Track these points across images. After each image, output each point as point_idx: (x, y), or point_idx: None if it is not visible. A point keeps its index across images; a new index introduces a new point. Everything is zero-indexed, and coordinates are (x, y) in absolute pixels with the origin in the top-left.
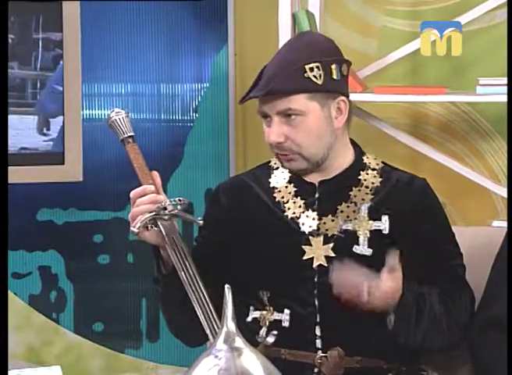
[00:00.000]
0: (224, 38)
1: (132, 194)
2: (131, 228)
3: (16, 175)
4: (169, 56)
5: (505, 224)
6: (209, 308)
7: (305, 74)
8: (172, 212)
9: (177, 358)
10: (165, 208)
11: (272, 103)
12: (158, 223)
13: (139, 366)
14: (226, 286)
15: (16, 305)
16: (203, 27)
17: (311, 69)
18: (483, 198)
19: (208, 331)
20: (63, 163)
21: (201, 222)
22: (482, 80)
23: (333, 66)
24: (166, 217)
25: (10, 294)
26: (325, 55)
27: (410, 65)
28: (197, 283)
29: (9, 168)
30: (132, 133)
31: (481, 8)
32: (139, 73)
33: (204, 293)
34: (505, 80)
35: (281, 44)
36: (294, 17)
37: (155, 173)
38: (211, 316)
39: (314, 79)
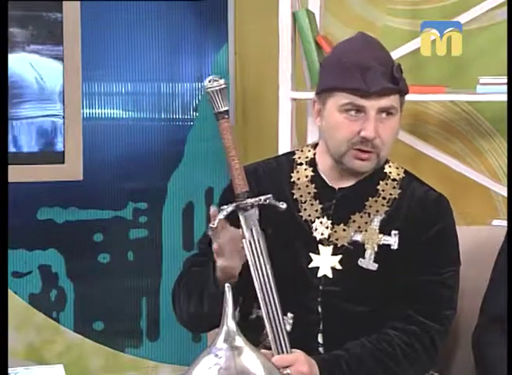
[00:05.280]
0: (224, 37)
1: None
2: (210, 225)
3: (16, 174)
4: (170, 55)
5: (505, 223)
6: (277, 310)
7: (397, 74)
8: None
9: (177, 357)
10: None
11: (377, 99)
12: (239, 214)
13: (139, 364)
14: (226, 285)
15: (16, 304)
16: (203, 26)
17: (396, 70)
18: (483, 196)
19: (270, 332)
20: (63, 162)
21: (284, 206)
22: (482, 78)
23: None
24: (249, 207)
25: (10, 293)
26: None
27: (410, 64)
28: (269, 280)
29: (9, 167)
30: (226, 108)
31: (481, 7)
32: (139, 72)
33: (274, 292)
34: (505, 79)
35: (281, 44)
36: (294, 16)
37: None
38: (278, 317)
39: (402, 80)
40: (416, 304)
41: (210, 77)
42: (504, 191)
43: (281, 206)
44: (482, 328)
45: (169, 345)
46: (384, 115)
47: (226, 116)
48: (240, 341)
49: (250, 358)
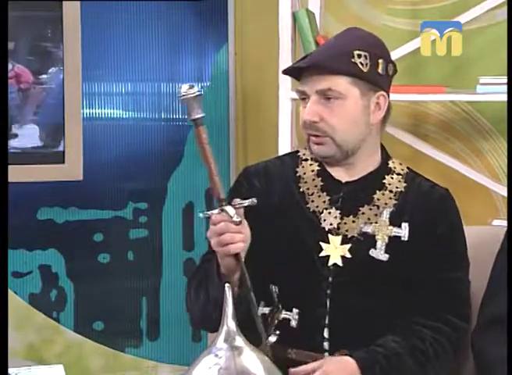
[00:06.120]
0: (224, 37)
1: None
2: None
3: (17, 174)
4: (170, 55)
5: (505, 223)
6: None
7: (352, 59)
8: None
9: (177, 357)
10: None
11: (313, 82)
12: None
13: (139, 364)
14: (226, 285)
15: (16, 304)
16: (203, 26)
17: (359, 56)
18: (483, 197)
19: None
20: (63, 162)
21: (255, 201)
22: (483, 78)
23: (380, 61)
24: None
25: (10, 293)
26: (373, 49)
27: (410, 64)
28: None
29: (9, 167)
30: (200, 115)
31: (481, 7)
32: (139, 72)
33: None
34: (505, 79)
35: (281, 44)
36: (294, 16)
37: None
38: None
39: (360, 66)
40: (438, 302)
41: (187, 84)
42: (504, 191)
43: (254, 201)
44: (481, 328)
45: (169, 345)
46: (325, 98)
47: (199, 122)
48: (240, 341)
49: (250, 358)
